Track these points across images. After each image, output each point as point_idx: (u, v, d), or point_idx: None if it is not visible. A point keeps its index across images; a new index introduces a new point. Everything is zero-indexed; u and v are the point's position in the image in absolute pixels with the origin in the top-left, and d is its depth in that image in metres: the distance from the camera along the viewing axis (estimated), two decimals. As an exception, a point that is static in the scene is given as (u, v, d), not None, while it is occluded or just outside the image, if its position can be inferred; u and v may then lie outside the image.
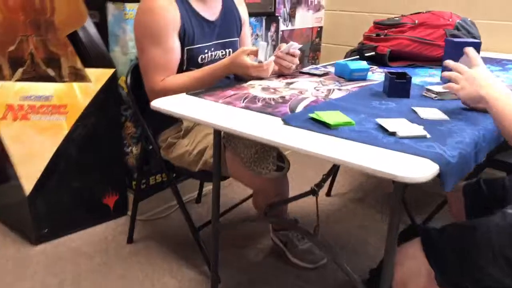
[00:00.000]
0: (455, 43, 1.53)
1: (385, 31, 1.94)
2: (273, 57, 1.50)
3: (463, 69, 1.13)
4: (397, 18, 1.99)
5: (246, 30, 1.82)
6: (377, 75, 1.70)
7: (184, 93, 1.35)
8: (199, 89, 1.44)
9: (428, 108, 1.21)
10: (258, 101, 1.27)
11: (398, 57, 1.90)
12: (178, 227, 2.06)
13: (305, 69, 1.74)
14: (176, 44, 1.51)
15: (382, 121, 1.06)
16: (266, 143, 1.02)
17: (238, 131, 1.07)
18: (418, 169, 0.85)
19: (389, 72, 1.38)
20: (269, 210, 1.48)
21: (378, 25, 2.02)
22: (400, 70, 1.63)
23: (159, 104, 1.25)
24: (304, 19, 2.88)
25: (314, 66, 1.87)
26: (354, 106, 1.22)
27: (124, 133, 2.02)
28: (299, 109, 1.20)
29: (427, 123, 1.08)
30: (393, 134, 0.99)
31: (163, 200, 2.20)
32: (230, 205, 2.05)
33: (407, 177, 0.82)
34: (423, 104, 1.27)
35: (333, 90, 1.43)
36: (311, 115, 1.10)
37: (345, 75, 1.60)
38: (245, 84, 1.47)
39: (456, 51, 1.51)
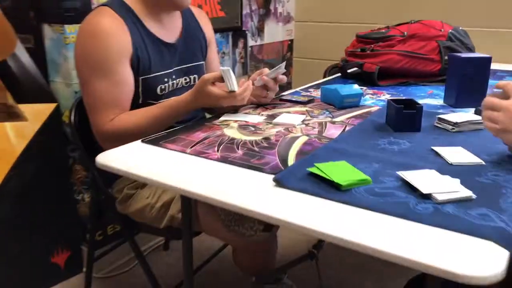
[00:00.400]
0: (460, 60, 1.30)
1: (372, 45, 1.70)
2: (249, 82, 1.23)
3: (499, 103, 0.88)
4: (383, 31, 1.76)
5: (213, 51, 1.54)
6: (369, 99, 1.45)
7: (139, 141, 1.05)
8: (159, 130, 1.15)
9: (453, 148, 0.96)
10: (238, 147, 0.99)
11: (387, 74, 1.67)
12: (143, 285, 1.74)
13: (285, 95, 1.47)
14: (127, 74, 1.21)
15: (406, 176, 0.79)
16: (255, 216, 0.74)
17: (216, 199, 0.78)
18: (484, 259, 0.59)
19: (392, 100, 1.14)
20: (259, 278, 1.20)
21: (362, 38, 1.79)
22: (404, 97, 1.40)
23: (104, 159, 0.95)
24: (274, 32, 2.63)
25: (294, 90, 1.60)
26: (360, 149, 0.96)
27: (72, 179, 1.69)
28: (291, 157, 0.92)
29: (461, 173, 0.83)
30: (427, 197, 0.73)
31: (124, 251, 1.87)
32: (207, 255, 1.75)
33: (475, 276, 0.56)
34: (441, 140, 1.02)
35: (326, 124, 1.17)
36: (311, 169, 0.82)
37: (335, 102, 1.34)
38: (217, 122, 1.19)
39: (461, 68, 1.28)
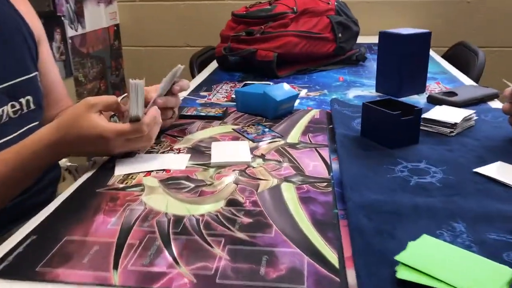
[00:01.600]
0: (400, 38, 1.04)
1: (262, 27, 1.34)
2: (155, 107, 0.74)
3: None
4: (268, 7, 1.40)
5: (46, 54, 0.95)
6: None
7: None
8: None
9: (502, 166, 0.68)
10: (208, 242, 0.52)
11: (283, 61, 1.34)
12: None
13: (185, 112, 1.00)
14: None
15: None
16: None
17: None
18: None
19: (370, 102, 0.80)
20: None
21: (242, 18, 1.40)
22: (322, 89, 1.10)
23: None
24: (97, 16, 2.02)
25: (192, 96, 1.13)
26: (391, 195, 0.60)
27: None
28: (313, 237, 0.51)
29: None
30: None
31: None
32: None
33: None
34: (458, 152, 0.74)
35: (287, 151, 0.77)
36: (402, 275, 0.43)
37: (266, 110, 0.94)
38: (116, 183, 0.67)
39: (401, 48, 1.04)
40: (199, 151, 0.78)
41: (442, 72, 1.32)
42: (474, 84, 1.16)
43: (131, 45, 2.27)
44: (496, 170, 0.67)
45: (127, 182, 0.67)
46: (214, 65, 1.52)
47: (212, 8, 2.14)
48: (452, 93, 1.03)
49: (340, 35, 1.42)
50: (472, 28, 2.03)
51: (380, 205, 0.57)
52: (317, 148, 0.79)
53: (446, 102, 0.99)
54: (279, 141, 0.82)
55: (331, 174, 0.69)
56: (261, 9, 1.40)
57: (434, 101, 1.02)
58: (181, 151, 0.78)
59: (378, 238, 0.50)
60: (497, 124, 0.87)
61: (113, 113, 0.77)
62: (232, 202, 0.60)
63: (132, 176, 0.68)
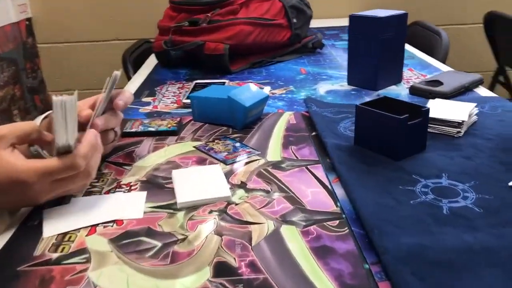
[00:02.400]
0: (376, 22, 0.90)
1: (208, 14, 1.14)
2: (92, 131, 0.54)
3: None
4: (211, -9, 1.21)
5: None
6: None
7: None
8: None
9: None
10: None
11: (234, 53, 1.16)
12: None
13: (128, 126, 0.79)
14: None
15: None
16: None
17: None
18: None
19: (364, 104, 0.66)
20: None
21: (183, 5, 1.20)
22: (290, 87, 0.95)
23: None
24: (2, 10, 1.71)
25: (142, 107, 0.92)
26: (428, 237, 0.46)
27: None
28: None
29: None
30: None
31: None
32: None
33: None
34: (470, 158, 0.61)
35: (270, 172, 0.60)
36: None
37: (233, 119, 0.77)
38: (36, 256, 0.47)
39: (378, 34, 0.90)
40: (157, 185, 0.59)
41: (409, 57, 1.21)
42: (452, 69, 1.05)
43: (49, 42, 1.97)
44: (534, 181, 0.55)
45: (63, 249, 0.47)
46: (152, 61, 1.30)
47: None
48: (437, 82, 0.91)
49: (295, 20, 1.26)
50: (425, 5, 1.96)
51: (424, 253, 0.43)
52: (308, 167, 0.63)
53: (433, 93, 0.86)
54: (258, 159, 0.65)
55: (339, 204, 0.53)
56: (203, -7, 1.20)
57: (418, 92, 0.90)
58: (132, 188, 0.58)
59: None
60: (499, 117, 0.76)
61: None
62: (221, 269, 0.43)
63: (70, 237, 0.48)
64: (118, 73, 0.59)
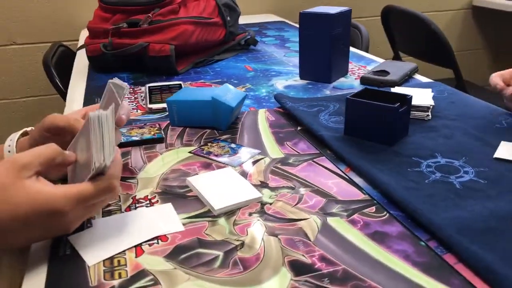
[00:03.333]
0: (327, 18, 0.95)
1: (150, 15, 1.09)
2: (117, 149, 0.49)
3: None
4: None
5: None
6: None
7: None
8: None
9: (505, 148, 0.65)
10: None
11: (177, 54, 1.13)
12: None
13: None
14: None
15: None
16: None
17: None
18: None
19: (353, 96, 0.70)
20: None
21: (117, 5, 1.13)
22: (314, 83, 0.96)
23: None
24: None
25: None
26: (460, 210, 0.51)
27: None
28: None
29: None
30: None
31: None
32: None
33: None
34: (449, 137, 0.69)
35: (301, 193, 0.61)
36: None
37: (216, 121, 0.75)
38: (94, 287, 0.43)
39: (329, 29, 0.96)
40: (177, 195, 0.56)
41: (341, 49, 1.29)
42: (388, 60, 1.15)
43: None
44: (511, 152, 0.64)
45: (120, 274, 0.43)
46: (80, 66, 1.21)
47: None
48: (384, 72, 0.99)
49: (228, 18, 1.27)
50: (330, 1, 2.09)
51: (471, 223, 0.48)
52: (314, 160, 0.65)
53: (384, 82, 0.94)
54: (262, 157, 0.66)
55: (364, 191, 0.56)
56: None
57: (368, 82, 0.97)
58: (153, 201, 0.55)
59: (514, 272, 0.41)
60: (449, 99, 0.86)
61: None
62: (297, 267, 0.43)
63: (119, 261, 0.45)
64: (125, 83, 0.56)
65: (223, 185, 0.57)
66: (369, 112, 0.68)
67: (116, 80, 0.56)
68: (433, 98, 0.86)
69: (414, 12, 1.65)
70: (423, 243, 0.47)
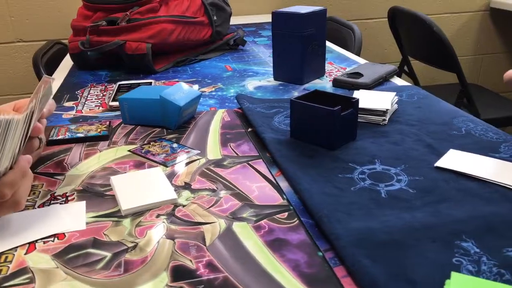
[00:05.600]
0: (299, 18, 0.93)
1: (127, 13, 1.10)
2: (25, 158, 0.49)
3: None
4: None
5: None
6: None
7: None
8: None
9: (450, 156, 0.61)
10: None
11: (156, 53, 1.13)
12: None
13: (55, 136, 0.74)
14: None
15: None
16: None
17: None
18: None
19: (298, 98, 0.67)
20: None
21: (99, 4, 1.14)
22: (287, 84, 0.95)
23: None
24: None
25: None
26: (373, 220, 0.49)
27: None
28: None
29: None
30: None
31: None
32: None
33: None
34: (398, 143, 0.66)
35: (220, 196, 0.60)
36: None
37: (165, 121, 0.75)
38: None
39: (301, 29, 0.93)
40: (96, 194, 0.56)
41: (328, 51, 1.26)
42: (368, 62, 1.12)
43: None
44: (456, 161, 0.60)
45: (0, 271, 0.43)
46: (67, 64, 1.23)
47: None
48: (357, 74, 0.96)
49: (215, 17, 1.26)
50: (339, 2, 2.05)
51: (373, 235, 0.45)
52: (249, 162, 0.63)
53: (356, 84, 0.91)
54: (199, 158, 0.65)
55: (285, 197, 0.54)
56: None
57: (341, 84, 0.94)
58: (69, 199, 0.55)
59: (399, 289, 0.38)
60: (416, 104, 0.82)
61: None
62: (179, 272, 0.42)
63: (7, 257, 0.45)
64: (51, 78, 0.55)
65: (142, 185, 0.56)
66: (311, 115, 0.65)
67: (47, 79, 0.55)
68: (400, 102, 0.83)
69: (416, 13, 1.60)
70: (320, 254, 0.44)
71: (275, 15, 0.96)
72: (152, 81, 1.00)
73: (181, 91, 0.76)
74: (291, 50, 0.96)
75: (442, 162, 0.60)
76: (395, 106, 0.80)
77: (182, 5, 1.19)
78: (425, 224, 0.47)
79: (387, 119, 0.74)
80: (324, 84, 0.98)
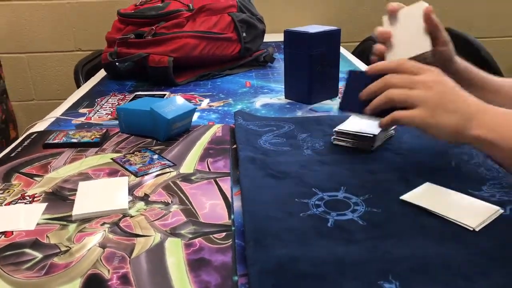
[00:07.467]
0: (310, 38, 0.92)
1: (153, 27, 1.15)
2: None
3: (413, 79, 0.56)
4: (159, 4, 1.22)
5: None
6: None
7: None
8: None
9: (421, 189, 0.57)
10: None
11: (180, 66, 1.17)
12: None
13: (51, 140, 0.79)
14: None
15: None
16: None
17: None
18: None
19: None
20: None
21: (129, 18, 1.21)
22: (294, 103, 0.95)
23: None
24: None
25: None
26: (302, 249, 0.47)
27: None
28: None
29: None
30: None
31: None
32: None
33: None
34: (374, 172, 0.62)
35: (170, 210, 0.61)
36: None
37: (155, 132, 0.77)
38: None
39: (311, 49, 0.92)
40: (61, 197, 0.59)
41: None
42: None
43: (10, 52, 1.96)
44: (423, 195, 0.56)
45: None
46: (103, 73, 1.31)
47: (100, 7, 1.90)
48: (367, 97, 0.93)
49: (244, 34, 1.28)
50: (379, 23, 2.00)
51: (294, 265, 0.43)
52: (217, 179, 0.63)
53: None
54: (170, 171, 0.66)
55: (232, 217, 0.54)
56: (152, 7, 1.21)
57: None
58: (35, 199, 0.59)
59: None
60: (416, 131, 0.77)
61: None
62: (91, 281, 0.43)
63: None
64: None
65: (101, 193, 0.59)
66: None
67: None
68: (400, 129, 0.79)
69: (462, 34, 1.51)
70: (236, 278, 0.43)
71: (286, 33, 0.96)
72: (167, 93, 1.04)
73: (173, 104, 0.78)
74: (300, 69, 0.95)
75: (408, 196, 0.56)
76: (391, 132, 0.76)
77: (209, 21, 1.22)
78: (355, 259, 0.44)
79: (375, 145, 0.71)
80: (331, 105, 0.95)
